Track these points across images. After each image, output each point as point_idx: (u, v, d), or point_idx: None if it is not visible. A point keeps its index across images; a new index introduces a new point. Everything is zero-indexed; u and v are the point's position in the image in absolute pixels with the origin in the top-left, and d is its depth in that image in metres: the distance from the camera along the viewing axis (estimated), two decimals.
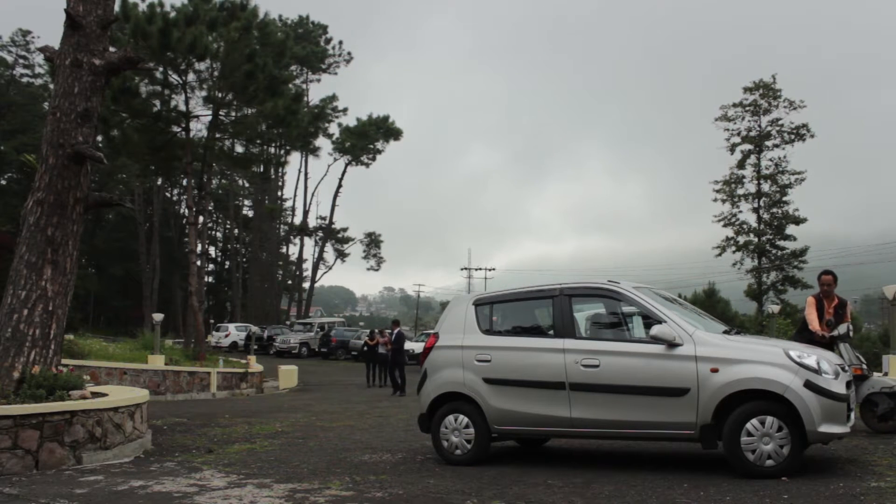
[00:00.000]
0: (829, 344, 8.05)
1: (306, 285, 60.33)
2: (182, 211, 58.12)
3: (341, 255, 59.46)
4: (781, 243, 41.37)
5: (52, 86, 12.61)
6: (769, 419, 5.93)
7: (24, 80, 56.37)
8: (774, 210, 41.43)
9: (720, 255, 42.22)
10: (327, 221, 57.60)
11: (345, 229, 58.76)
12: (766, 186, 41.72)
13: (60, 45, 8.89)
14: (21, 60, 56.01)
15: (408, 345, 35.05)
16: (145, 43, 22.68)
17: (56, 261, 8.40)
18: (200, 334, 24.71)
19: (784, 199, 41.21)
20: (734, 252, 41.92)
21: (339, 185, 56.35)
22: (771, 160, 41.87)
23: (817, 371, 5.97)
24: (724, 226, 42.39)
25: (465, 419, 7.28)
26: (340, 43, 58.95)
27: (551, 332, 7.10)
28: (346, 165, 55.72)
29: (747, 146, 41.99)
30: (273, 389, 21.40)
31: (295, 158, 54.53)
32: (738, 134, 42.27)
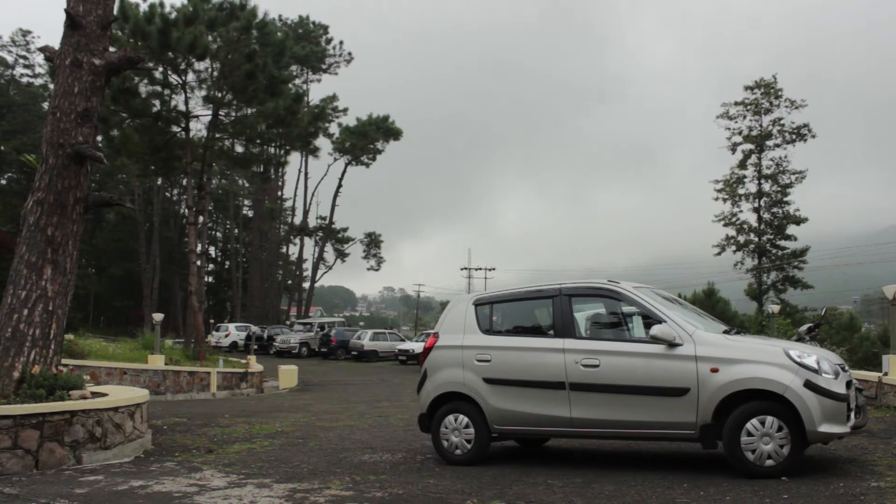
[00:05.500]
0: None
1: (306, 285, 60.31)
2: (182, 211, 58.08)
3: (341, 255, 59.45)
4: (782, 243, 41.42)
5: (52, 86, 12.61)
6: (769, 419, 5.93)
7: (24, 80, 56.47)
8: (775, 210, 41.48)
9: (720, 253, 42.28)
10: (327, 221, 57.62)
11: (345, 229, 58.81)
12: (766, 186, 41.76)
13: (60, 45, 8.88)
14: (21, 60, 56.13)
15: (408, 344, 35.33)
16: (145, 43, 22.68)
17: (56, 261, 8.39)
18: (200, 334, 24.69)
19: (785, 199, 41.27)
20: (734, 252, 41.97)
21: (339, 185, 56.37)
22: (772, 160, 41.96)
23: (817, 371, 5.97)
24: (725, 225, 42.48)
25: (465, 419, 7.28)
26: (341, 43, 58.96)
27: (551, 332, 7.10)
28: (346, 165, 55.75)
29: (748, 146, 42.02)
30: (273, 389, 21.39)
31: (295, 158, 54.39)
32: (740, 133, 42.35)
